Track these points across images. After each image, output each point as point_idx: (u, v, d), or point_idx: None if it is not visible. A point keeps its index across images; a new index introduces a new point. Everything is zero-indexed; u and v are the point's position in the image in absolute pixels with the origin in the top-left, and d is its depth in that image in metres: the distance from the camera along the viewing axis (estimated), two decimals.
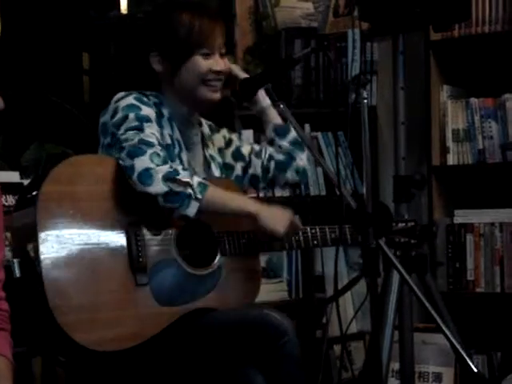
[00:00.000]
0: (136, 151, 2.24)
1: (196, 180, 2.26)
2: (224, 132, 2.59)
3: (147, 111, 2.32)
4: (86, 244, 2.19)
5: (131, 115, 2.29)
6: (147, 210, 2.26)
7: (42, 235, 2.15)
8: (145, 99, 2.35)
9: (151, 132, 2.29)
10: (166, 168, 2.23)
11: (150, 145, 2.26)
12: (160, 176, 2.21)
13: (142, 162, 2.22)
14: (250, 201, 2.35)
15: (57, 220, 2.17)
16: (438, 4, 2.53)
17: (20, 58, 4.24)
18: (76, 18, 4.34)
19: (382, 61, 3.49)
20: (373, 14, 2.55)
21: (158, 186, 2.21)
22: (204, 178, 2.33)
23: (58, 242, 2.16)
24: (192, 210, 2.22)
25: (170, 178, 2.22)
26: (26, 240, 2.18)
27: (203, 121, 2.56)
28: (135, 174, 2.22)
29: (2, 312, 1.78)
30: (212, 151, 2.52)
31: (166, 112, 2.40)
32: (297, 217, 2.40)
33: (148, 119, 2.31)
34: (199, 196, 2.23)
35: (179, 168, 2.27)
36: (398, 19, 2.52)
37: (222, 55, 2.41)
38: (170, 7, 2.43)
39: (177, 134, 2.40)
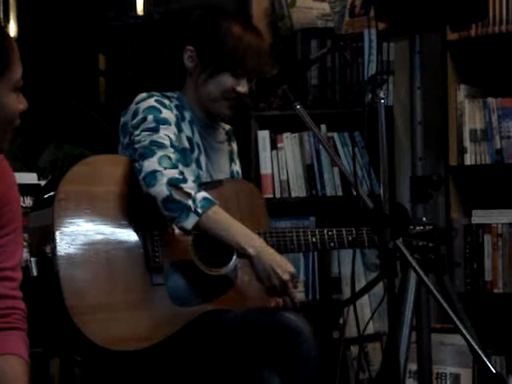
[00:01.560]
0: (146, 153, 2.24)
1: (201, 194, 2.22)
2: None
3: (167, 114, 2.33)
4: (103, 244, 2.20)
5: (150, 117, 2.30)
6: None
7: (59, 235, 2.16)
8: (166, 101, 2.36)
9: (165, 134, 2.29)
10: (173, 172, 2.22)
11: (162, 146, 2.26)
12: (165, 179, 2.20)
13: (149, 164, 2.22)
14: (253, 237, 2.25)
15: (74, 219, 2.19)
16: (455, 4, 2.52)
17: (36, 59, 4.26)
18: (92, 19, 4.36)
19: (398, 61, 3.48)
20: (389, 14, 2.54)
21: (159, 189, 2.19)
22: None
23: (75, 242, 2.17)
24: (190, 222, 2.19)
25: (174, 183, 2.20)
26: (42, 239, 2.20)
27: (234, 137, 2.57)
28: (142, 175, 2.22)
29: (19, 311, 1.79)
30: (238, 168, 2.54)
31: (187, 115, 2.40)
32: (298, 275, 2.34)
33: (166, 121, 2.31)
34: (199, 210, 2.19)
35: (189, 178, 2.24)
36: (414, 19, 2.51)
37: (249, 80, 2.41)
38: (221, 13, 2.43)
39: (197, 138, 2.41)
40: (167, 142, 2.27)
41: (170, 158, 2.24)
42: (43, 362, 2.91)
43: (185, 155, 2.36)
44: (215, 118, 2.47)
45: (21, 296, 1.80)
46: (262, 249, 2.22)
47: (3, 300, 1.77)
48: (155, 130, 2.28)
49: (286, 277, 2.20)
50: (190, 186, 2.21)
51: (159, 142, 2.26)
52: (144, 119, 2.30)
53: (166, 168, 2.22)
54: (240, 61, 2.37)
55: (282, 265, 2.22)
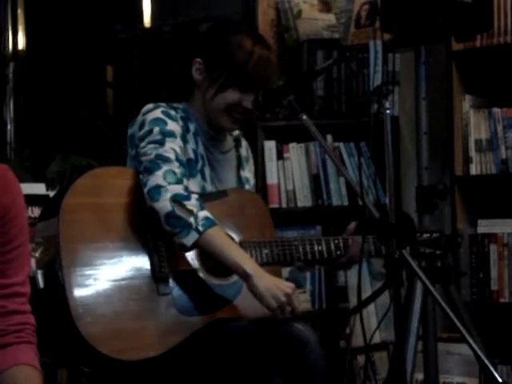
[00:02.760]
0: (152, 167, 2.26)
1: (204, 213, 2.23)
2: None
3: (172, 126, 2.34)
4: (109, 255, 2.21)
5: (156, 129, 2.31)
6: None
7: (65, 246, 2.17)
8: (172, 113, 2.36)
9: (171, 147, 2.29)
10: (177, 188, 2.23)
11: (167, 161, 2.27)
12: (169, 195, 2.21)
13: (154, 178, 2.23)
14: (250, 260, 2.25)
15: (79, 231, 2.20)
16: (460, 15, 2.53)
17: (45, 71, 4.29)
18: (100, 31, 4.38)
19: (403, 71, 3.49)
20: (395, 25, 2.55)
21: (162, 204, 2.20)
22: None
23: (81, 253, 2.18)
24: (190, 240, 2.20)
25: (178, 200, 2.21)
26: (49, 251, 2.21)
27: (244, 143, 2.57)
28: (146, 189, 2.23)
29: (29, 326, 1.80)
30: (248, 174, 2.54)
31: (191, 127, 2.41)
32: (298, 291, 2.33)
33: (172, 134, 2.32)
34: (200, 228, 2.20)
35: (193, 195, 2.24)
36: (419, 30, 2.52)
37: (255, 93, 2.40)
38: (233, 28, 2.43)
39: (201, 149, 2.41)
40: (173, 156, 2.28)
41: (174, 172, 2.25)
42: (51, 372, 2.92)
43: (190, 166, 2.37)
44: (220, 131, 2.48)
45: (30, 310, 1.81)
46: (259, 270, 2.22)
47: (14, 316, 1.78)
48: (161, 143, 2.29)
49: (283, 299, 2.19)
50: (193, 204, 2.22)
51: (165, 156, 2.27)
52: (150, 131, 2.31)
53: (170, 183, 2.23)
54: (250, 76, 2.37)
55: (280, 286, 2.21)
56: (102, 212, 2.24)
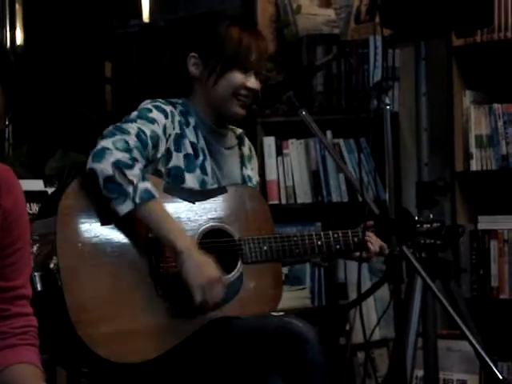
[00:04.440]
0: (106, 134, 2.20)
1: (144, 185, 2.16)
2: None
3: (156, 115, 2.30)
4: (107, 255, 2.18)
5: (134, 113, 2.29)
6: None
7: (62, 247, 2.14)
8: (166, 107, 2.34)
9: (137, 126, 2.24)
10: (123, 155, 2.16)
11: (124, 132, 2.21)
12: (112, 160, 2.15)
13: (103, 143, 2.17)
14: (183, 237, 2.20)
15: (76, 231, 2.17)
16: (460, 10, 2.52)
17: (43, 67, 4.27)
18: (98, 27, 4.37)
19: (403, 67, 3.49)
20: (395, 21, 2.54)
21: (103, 166, 2.14)
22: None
23: (78, 254, 2.15)
24: (124, 209, 2.15)
25: (120, 166, 2.15)
26: (46, 251, 2.18)
27: (247, 142, 2.56)
28: (92, 153, 2.17)
29: (32, 328, 1.80)
30: (250, 172, 2.52)
31: (191, 120, 2.40)
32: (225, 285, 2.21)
33: (148, 119, 2.27)
34: (137, 200, 2.15)
35: (137, 165, 2.18)
36: (420, 25, 2.51)
37: (256, 74, 2.42)
38: (219, 16, 2.44)
39: (202, 143, 2.40)
40: (133, 131, 2.22)
41: (127, 142, 2.18)
42: (50, 370, 2.91)
43: (188, 161, 2.35)
44: (228, 120, 2.46)
45: (32, 312, 1.80)
46: (191, 249, 2.18)
47: (18, 319, 1.77)
48: (130, 121, 2.25)
49: (204, 282, 2.15)
50: (134, 174, 2.16)
51: (124, 128, 2.22)
52: (129, 115, 2.28)
53: (117, 149, 2.16)
54: (244, 54, 2.37)
55: (207, 270, 2.17)
56: (99, 212, 2.20)
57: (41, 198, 2.66)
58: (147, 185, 2.17)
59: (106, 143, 2.17)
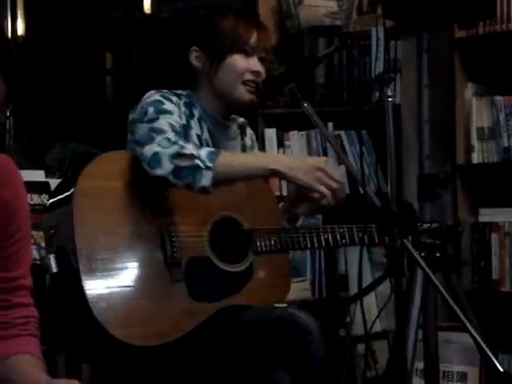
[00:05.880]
0: (146, 139, 2.23)
1: (204, 150, 2.21)
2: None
3: (170, 106, 2.32)
4: (122, 239, 2.20)
5: (150, 109, 2.30)
6: None
7: (79, 230, 2.16)
8: (173, 98, 2.35)
9: (166, 121, 2.27)
10: (172, 148, 2.20)
11: (161, 132, 2.24)
12: (167, 157, 2.19)
13: (150, 148, 2.21)
14: (272, 156, 2.32)
15: (93, 215, 2.19)
16: (463, 2, 2.52)
17: (44, 58, 4.27)
18: (99, 18, 4.37)
19: (405, 59, 3.48)
20: (397, 12, 2.53)
21: (164, 167, 2.18)
22: None
23: (95, 238, 2.17)
24: (206, 180, 2.17)
25: (175, 155, 2.18)
26: (62, 237, 2.20)
27: (248, 131, 2.56)
28: (146, 161, 2.21)
29: (34, 319, 1.80)
30: None
31: (196, 112, 2.40)
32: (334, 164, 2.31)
33: (167, 111, 2.30)
34: (209, 164, 2.17)
35: (187, 145, 2.22)
36: (422, 17, 2.50)
37: (260, 59, 2.41)
38: (217, 10, 2.45)
39: (206, 135, 2.40)
40: (167, 128, 2.25)
41: (169, 139, 2.22)
42: (50, 360, 2.92)
43: None
44: (237, 107, 2.46)
45: (33, 302, 1.81)
46: (281, 159, 2.24)
47: (19, 309, 1.78)
48: (156, 119, 2.27)
49: (318, 174, 2.20)
50: (189, 148, 2.20)
51: (158, 127, 2.25)
52: (145, 112, 2.29)
53: (165, 148, 2.20)
54: (243, 36, 2.37)
55: (306, 161, 2.25)
56: (115, 196, 2.23)
57: (42, 188, 2.67)
58: (205, 149, 2.22)
59: (152, 148, 2.21)
